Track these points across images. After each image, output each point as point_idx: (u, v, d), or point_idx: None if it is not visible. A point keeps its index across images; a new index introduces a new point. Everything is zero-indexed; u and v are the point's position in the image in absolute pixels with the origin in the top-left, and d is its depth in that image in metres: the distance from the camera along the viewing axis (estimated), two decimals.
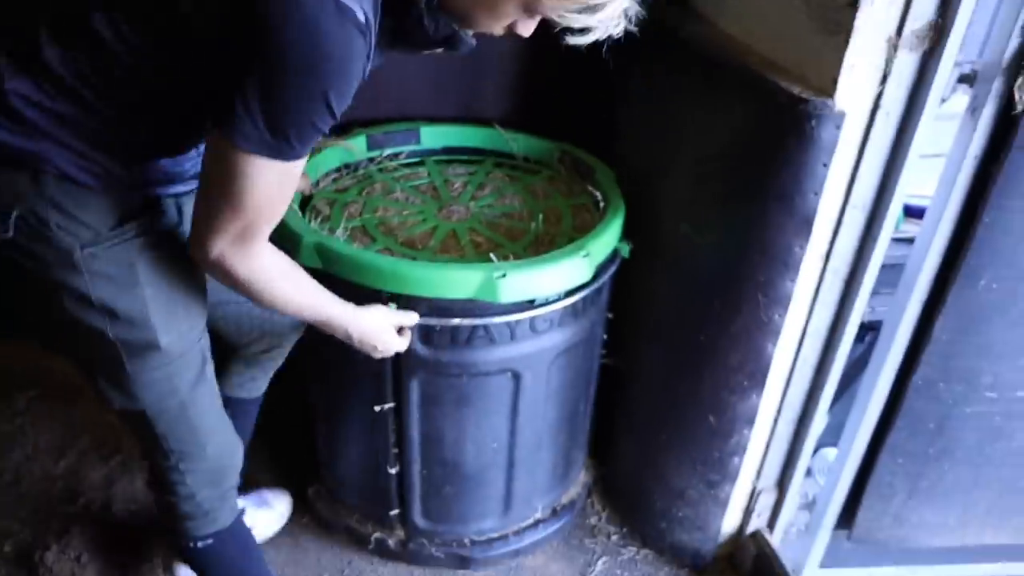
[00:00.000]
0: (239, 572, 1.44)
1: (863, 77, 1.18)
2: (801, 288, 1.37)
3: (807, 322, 1.43)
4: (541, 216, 1.66)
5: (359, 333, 1.28)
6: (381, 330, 1.33)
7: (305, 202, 1.68)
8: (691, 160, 1.49)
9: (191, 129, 1.07)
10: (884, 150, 1.25)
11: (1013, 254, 1.29)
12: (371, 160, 1.86)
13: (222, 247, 1.01)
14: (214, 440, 1.28)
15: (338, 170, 1.81)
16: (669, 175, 1.56)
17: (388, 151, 1.87)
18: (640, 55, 1.67)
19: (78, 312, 1.07)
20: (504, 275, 1.38)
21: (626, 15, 0.97)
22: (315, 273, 1.28)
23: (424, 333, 1.45)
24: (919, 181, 1.36)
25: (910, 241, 1.41)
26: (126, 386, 1.15)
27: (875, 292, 1.48)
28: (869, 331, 1.63)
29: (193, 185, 1.06)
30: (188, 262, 1.09)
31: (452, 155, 1.91)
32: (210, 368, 1.25)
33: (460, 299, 1.40)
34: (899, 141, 1.24)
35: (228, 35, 0.89)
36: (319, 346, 1.60)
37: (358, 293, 1.37)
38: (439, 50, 1.09)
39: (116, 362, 1.12)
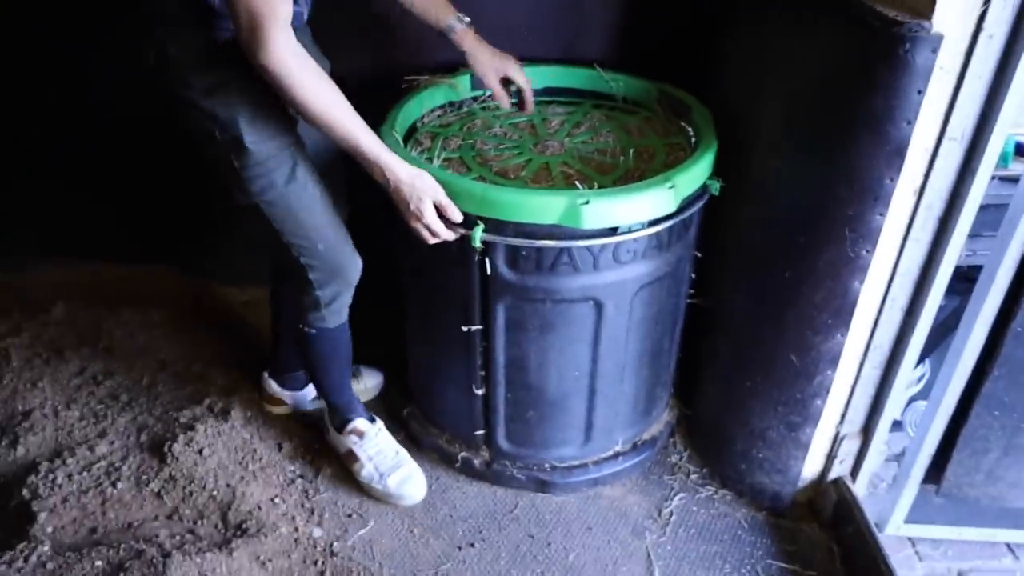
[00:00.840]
0: (325, 364, 1.80)
1: None
2: (891, 224, 1.34)
3: (897, 261, 1.39)
4: (632, 152, 1.68)
5: (395, 180, 1.40)
6: (418, 191, 1.40)
7: (409, 135, 1.78)
8: (785, 93, 1.47)
9: None
10: (987, 78, 1.20)
11: None
12: (474, 99, 1.93)
13: (246, 41, 1.24)
14: (324, 239, 1.54)
15: (442, 107, 1.90)
16: (763, 111, 1.54)
17: (490, 91, 1.93)
18: None
19: (198, 118, 1.40)
20: (587, 202, 1.42)
21: None
22: None
23: (510, 257, 1.51)
24: None
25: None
26: (238, 182, 1.45)
27: (977, 235, 1.42)
28: (969, 281, 1.56)
29: None
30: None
31: (553, 95, 1.96)
32: (303, 172, 1.48)
33: (545, 224, 1.45)
34: (1004, 67, 1.18)
35: None
36: (414, 269, 1.70)
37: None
38: None
39: (227, 160, 1.43)
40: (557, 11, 1.93)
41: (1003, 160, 1.47)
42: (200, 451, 1.88)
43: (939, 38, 1.16)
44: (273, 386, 2.03)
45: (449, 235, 1.46)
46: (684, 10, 1.87)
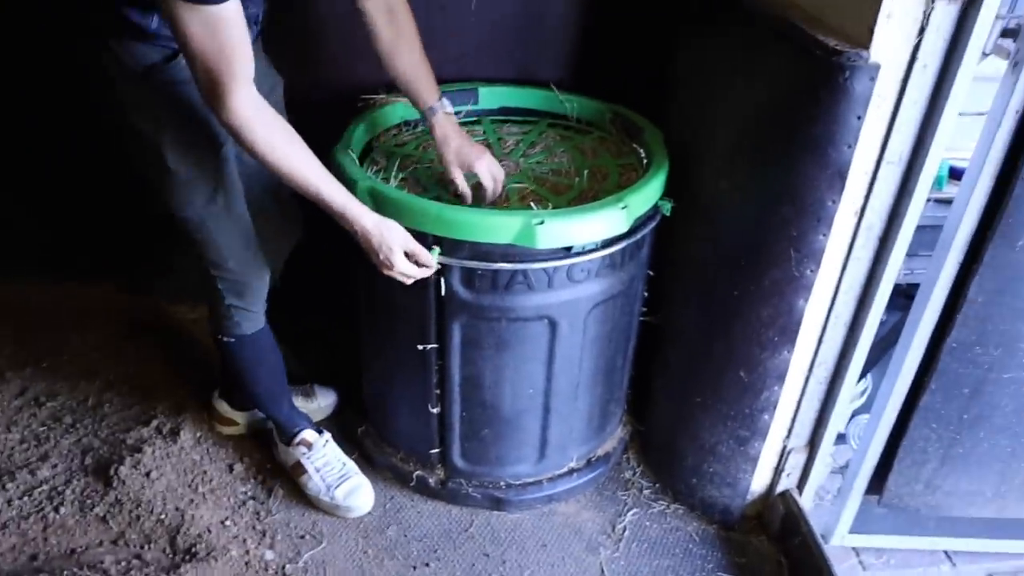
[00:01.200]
0: (249, 373, 1.79)
1: (900, 28, 1.19)
2: (834, 243, 1.39)
3: (840, 279, 1.44)
4: (587, 172, 1.71)
5: (362, 231, 1.39)
6: (387, 242, 1.40)
7: (364, 153, 1.78)
8: (733, 116, 1.51)
9: None
10: (921, 104, 1.26)
11: None
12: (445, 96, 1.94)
13: (209, 99, 1.23)
14: (235, 257, 1.57)
15: (398, 126, 1.91)
16: (712, 133, 1.59)
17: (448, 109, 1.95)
18: (690, 15, 1.71)
19: (125, 130, 1.42)
20: (542, 222, 1.44)
21: None
22: None
23: (466, 276, 1.53)
24: (965, 143, 1.36)
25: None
26: (159, 193, 1.47)
27: (915, 254, 1.48)
28: (908, 298, 1.62)
29: None
30: (203, 112, 1.34)
31: (508, 115, 1.98)
32: (224, 199, 1.49)
33: (500, 244, 1.47)
34: (937, 95, 1.24)
35: None
36: (369, 289, 1.70)
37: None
38: None
39: (150, 172, 1.45)
40: (513, 33, 1.96)
41: (938, 183, 1.53)
42: (148, 473, 1.84)
43: (876, 67, 1.21)
44: (224, 406, 2.00)
45: (422, 274, 1.47)
46: (636, 33, 1.92)
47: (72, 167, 2.24)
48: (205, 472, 1.90)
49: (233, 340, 1.71)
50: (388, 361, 1.80)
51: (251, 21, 1.43)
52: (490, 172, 1.60)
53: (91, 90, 1.44)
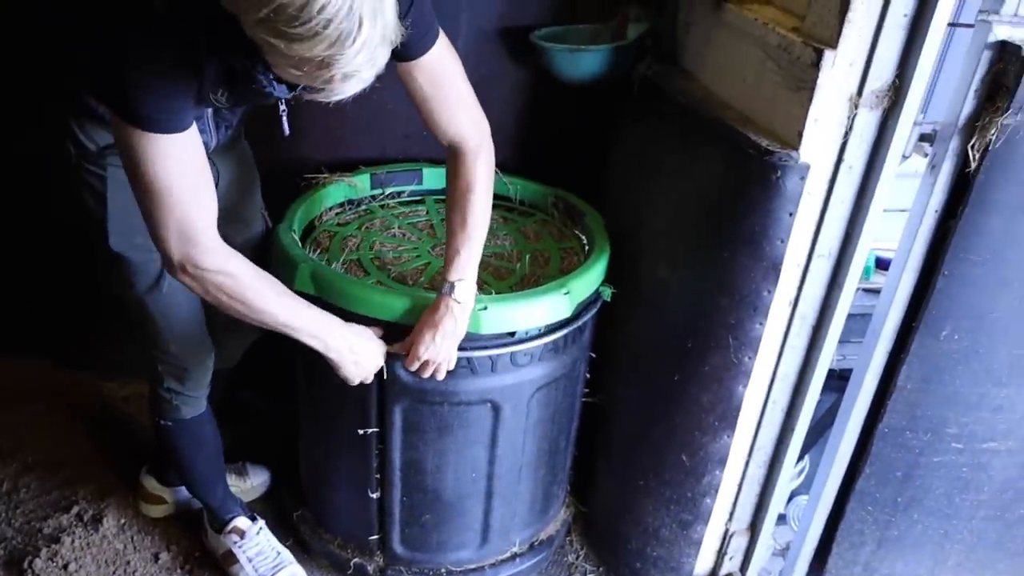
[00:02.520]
0: (185, 458, 1.72)
1: (826, 132, 1.26)
2: (770, 332, 1.43)
3: (776, 366, 1.48)
4: (528, 257, 1.73)
5: (339, 358, 1.39)
6: (362, 344, 1.41)
7: (306, 234, 1.77)
8: (670, 207, 1.56)
9: None
10: (848, 202, 1.32)
11: (973, 307, 1.33)
12: (374, 198, 1.95)
13: (179, 259, 1.19)
14: (176, 343, 1.54)
15: (341, 205, 1.90)
16: (651, 221, 1.64)
17: (390, 189, 1.96)
18: (630, 107, 1.77)
19: (78, 206, 1.41)
20: (486, 308, 1.45)
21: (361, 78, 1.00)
22: (309, 299, 1.41)
23: None
24: (892, 234, 1.42)
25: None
26: (102, 270, 1.46)
27: (848, 341, 1.53)
28: (844, 380, 1.67)
29: None
30: None
31: None
32: (169, 284, 1.44)
33: None
34: (862, 194, 1.31)
35: None
36: (308, 370, 1.67)
37: (348, 319, 1.44)
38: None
39: (97, 249, 1.43)
40: None
41: (866, 273, 1.59)
42: (65, 566, 1.74)
43: (806, 167, 1.27)
44: (152, 483, 1.92)
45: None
46: (577, 119, 1.98)
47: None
48: (128, 562, 1.80)
49: (171, 424, 1.65)
50: (327, 444, 1.75)
51: (226, 127, 1.47)
52: (431, 359, 1.43)
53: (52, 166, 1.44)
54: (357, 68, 0.96)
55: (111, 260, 1.43)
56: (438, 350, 1.41)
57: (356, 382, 1.45)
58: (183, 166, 1.13)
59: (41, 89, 1.42)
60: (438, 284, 1.46)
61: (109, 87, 1.10)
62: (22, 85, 1.78)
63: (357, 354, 1.40)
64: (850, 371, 1.52)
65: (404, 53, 1.25)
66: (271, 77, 1.14)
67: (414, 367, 1.44)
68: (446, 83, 1.36)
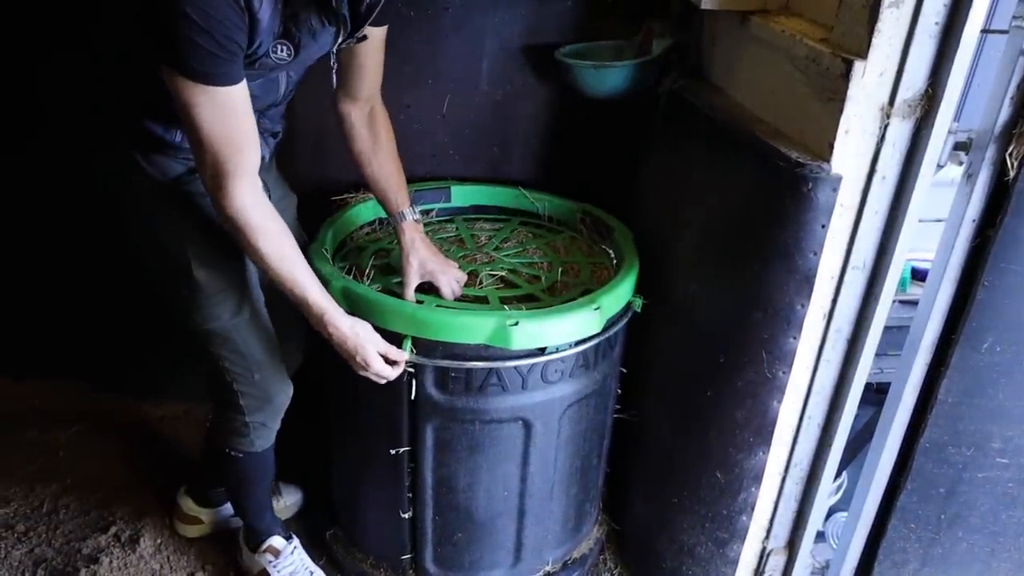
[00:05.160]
0: (247, 487, 1.74)
1: (858, 143, 1.24)
2: (804, 346, 1.40)
3: (812, 380, 1.45)
4: (560, 269, 1.73)
5: (338, 335, 1.38)
6: (361, 344, 1.40)
7: (339, 251, 1.79)
8: (701, 221, 1.55)
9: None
10: (882, 213, 1.30)
11: (1016, 317, 1.30)
12: (413, 205, 1.96)
13: (211, 187, 1.24)
14: (261, 371, 1.54)
15: (371, 224, 1.92)
16: (681, 235, 1.62)
17: (419, 208, 1.96)
18: (659, 122, 1.77)
19: (147, 246, 1.43)
20: (516, 323, 1.44)
21: None
22: None
23: (439, 378, 1.51)
24: (928, 244, 1.40)
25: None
26: (184, 310, 1.45)
27: (884, 353, 1.50)
28: (882, 393, 1.63)
29: None
30: None
31: (480, 214, 2.01)
32: (250, 307, 1.50)
33: (474, 344, 1.46)
34: (896, 205, 1.28)
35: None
36: (340, 389, 1.68)
37: (381, 335, 1.45)
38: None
39: (173, 284, 1.43)
40: (484, 134, 2.01)
41: (902, 285, 1.57)
42: None
43: (838, 178, 1.25)
44: (189, 503, 1.93)
45: (394, 374, 1.45)
46: (605, 134, 1.98)
47: (36, 261, 2.21)
48: None
49: (243, 455, 1.65)
50: (358, 463, 1.76)
51: (267, 134, 1.48)
52: (450, 287, 1.60)
53: (113, 205, 1.44)
54: None
55: (194, 294, 1.42)
56: (445, 263, 1.60)
57: (347, 359, 1.43)
58: (220, 117, 1.19)
59: (105, 124, 1.41)
60: (397, 216, 1.62)
61: (163, 40, 1.14)
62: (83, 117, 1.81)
63: (358, 337, 1.39)
64: (888, 384, 1.49)
65: (380, 19, 1.37)
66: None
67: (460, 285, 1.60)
68: (383, 48, 1.52)
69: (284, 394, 1.62)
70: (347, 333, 1.39)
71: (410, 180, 1.96)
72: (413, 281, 1.59)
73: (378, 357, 1.42)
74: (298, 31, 1.26)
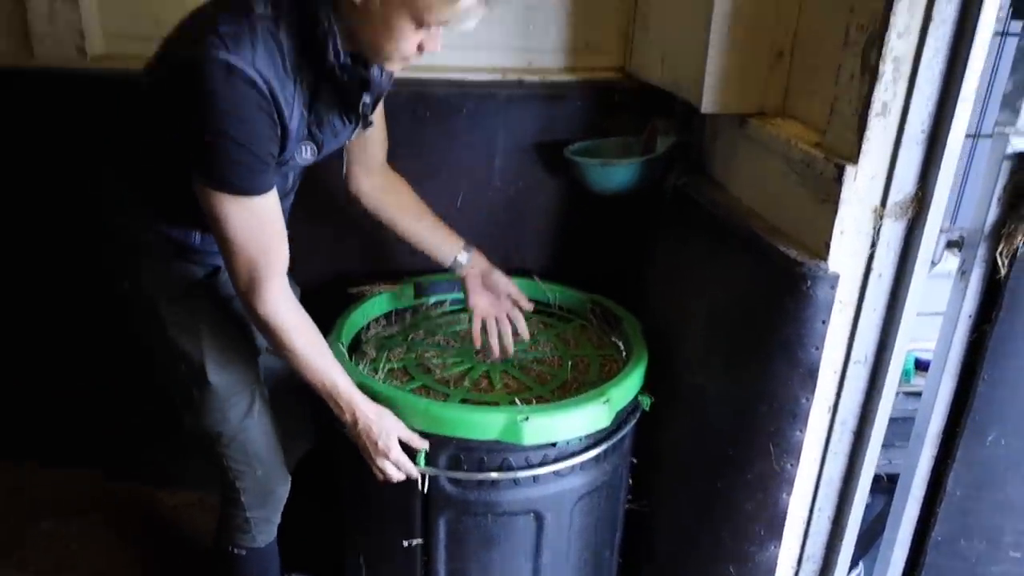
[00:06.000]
0: None
1: (853, 242, 1.29)
2: (811, 439, 1.42)
3: (820, 472, 1.46)
4: (570, 364, 1.76)
5: (364, 420, 1.42)
6: (385, 430, 1.43)
7: (355, 346, 1.83)
8: (706, 314, 1.59)
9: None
10: (880, 309, 1.33)
11: (1018, 411, 1.32)
12: (416, 309, 2.02)
13: (244, 292, 1.28)
14: (263, 466, 1.57)
15: (387, 316, 1.97)
16: (688, 327, 1.66)
17: (434, 299, 2.03)
18: (665, 216, 1.83)
19: (161, 350, 1.43)
20: (527, 418, 1.47)
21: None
22: None
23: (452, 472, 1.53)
24: (930, 334, 1.42)
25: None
26: (194, 411, 1.47)
27: (892, 445, 1.51)
28: (894, 483, 1.63)
29: None
30: (245, 322, 1.42)
31: None
32: (259, 408, 1.52)
33: (486, 440, 1.49)
34: (894, 301, 1.32)
35: (174, 114, 1.21)
36: (354, 480, 1.70)
37: None
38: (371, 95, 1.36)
39: (187, 390, 1.45)
40: (497, 226, 2.07)
41: (906, 376, 1.59)
42: None
43: (836, 276, 1.29)
44: None
45: (414, 471, 1.48)
46: (613, 227, 2.04)
47: (52, 350, 2.27)
48: None
49: (245, 552, 1.66)
50: (371, 554, 1.76)
51: (281, 194, 1.52)
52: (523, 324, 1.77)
53: (130, 306, 1.47)
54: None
55: (206, 395, 1.45)
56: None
57: (364, 452, 1.46)
58: (256, 224, 1.25)
59: (126, 230, 1.45)
60: (452, 254, 1.72)
61: (201, 158, 1.20)
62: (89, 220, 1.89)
63: (380, 433, 1.43)
64: (898, 476, 1.50)
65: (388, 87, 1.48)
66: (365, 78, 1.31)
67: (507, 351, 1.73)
68: (383, 114, 1.60)
69: (284, 487, 1.65)
70: (372, 419, 1.43)
71: (424, 271, 2.04)
72: (476, 328, 1.74)
73: (398, 445, 1.45)
74: (321, 133, 1.34)
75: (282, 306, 1.31)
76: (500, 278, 1.76)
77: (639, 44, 1.96)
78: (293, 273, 1.76)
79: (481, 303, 1.74)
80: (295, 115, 1.25)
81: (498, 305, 1.76)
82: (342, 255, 2.05)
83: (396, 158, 1.95)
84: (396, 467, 1.47)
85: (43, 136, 1.93)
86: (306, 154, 1.36)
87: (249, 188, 1.22)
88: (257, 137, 1.19)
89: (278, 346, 1.35)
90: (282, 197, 1.50)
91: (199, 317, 1.42)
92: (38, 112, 1.90)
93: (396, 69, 1.32)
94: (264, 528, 1.66)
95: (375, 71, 1.36)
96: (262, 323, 1.32)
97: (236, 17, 1.16)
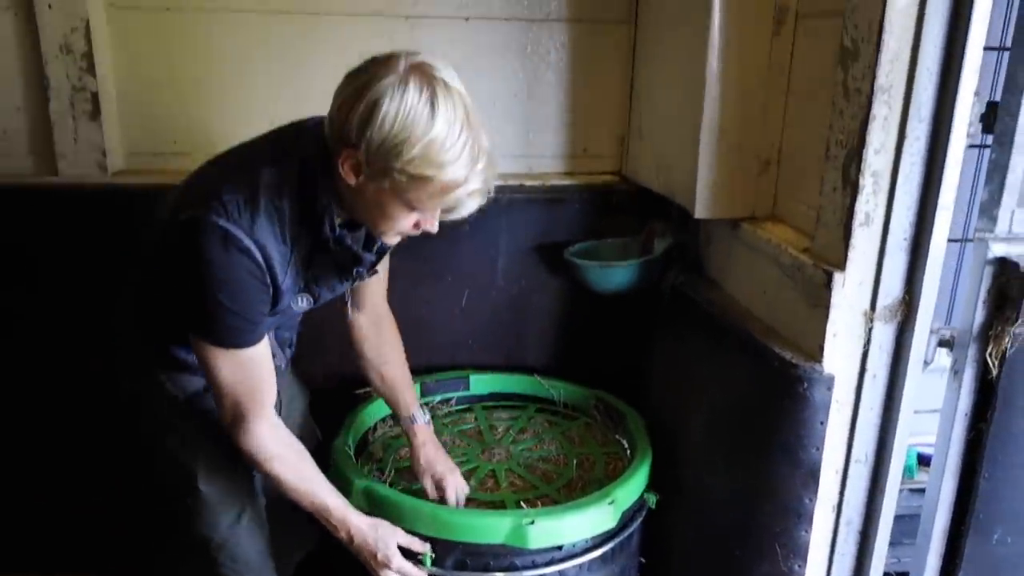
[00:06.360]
0: None
1: (846, 344, 1.33)
2: (817, 539, 1.42)
3: (828, 574, 1.45)
4: (575, 462, 1.78)
5: (359, 536, 1.43)
6: (383, 540, 1.43)
7: (361, 447, 1.85)
8: (706, 412, 1.62)
9: None
10: (877, 408, 1.36)
11: (1022, 509, 1.32)
12: (424, 405, 2.04)
13: (229, 426, 1.32)
14: (251, 573, 1.55)
15: (393, 416, 1.99)
16: (689, 425, 1.68)
17: (439, 397, 2.06)
18: (664, 315, 1.88)
19: (160, 450, 1.47)
20: (532, 522, 1.48)
21: (486, 190, 1.23)
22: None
23: None
24: (932, 428, 1.44)
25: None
26: (185, 516, 1.48)
27: (900, 543, 1.51)
28: None
29: None
30: None
31: (498, 400, 2.09)
32: (249, 518, 1.53)
33: (492, 544, 1.50)
34: (890, 400, 1.35)
35: (174, 270, 1.26)
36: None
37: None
38: (356, 272, 1.39)
39: (180, 494, 1.47)
40: (500, 325, 2.12)
41: (909, 472, 1.60)
42: None
43: (831, 378, 1.33)
44: None
45: (418, 573, 1.48)
46: (614, 325, 2.09)
47: (50, 456, 2.27)
48: None
49: None
50: None
51: (284, 345, 1.59)
52: (455, 489, 1.64)
53: (132, 415, 1.53)
54: (482, 183, 1.20)
55: (196, 501, 1.47)
56: (452, 468, 1.66)
57: (364, 561, 1.46)
58: (243, 372, 1.30)
59: (133, 345, 1.50)
60: (407, 420, 1.69)
61: (194, 315, 1.26)
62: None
63: (370, 547, 1.43)
64: (907, 574, 1.49)
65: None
66: (362, 243, 1.33)
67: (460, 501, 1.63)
68: (387, 263, 1.62)
69: None
70: (367, 532, 1.44)
71: (430, 370, 2.08)
72: (427, 481, 1.66)
73: (398, 552, 1.45)
74: (317, 287, 1.38)
75: (265, 439, 1.35)
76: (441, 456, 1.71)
77: (634, 150, 2.06)
78: (302, 374, 1.81)
79: (428, 461, 1.67)
80: (289, 275, 1.28)
81: (446, 466, 1.69)
82: (349, 356, 2.09)
83: (403, 261, 2.02)
84: (401, 574, 1.47)
85: (64, 248, 2.00)
86: (302, 303, 1.39)
87: (239, 343, 1.27)
88: (249, 303, 1.24)
89: (264, 475, 1.39)
90: (288, 321, 1.56)
91: (195, 425, 1.45)
92: (61, 225, 1.98)
93: (392, 243, 1.36)
94: None
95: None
96: (246, 455, 1.36)
97: (240, 186, 1.21)
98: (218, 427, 1.41)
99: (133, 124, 1.99)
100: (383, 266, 1.60)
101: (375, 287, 1.63)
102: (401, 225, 1.24)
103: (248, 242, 1.19)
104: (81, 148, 1.94)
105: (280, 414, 1.45)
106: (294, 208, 1.24)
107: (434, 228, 1.26)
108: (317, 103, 1.28)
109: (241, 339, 1.27)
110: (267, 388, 1.34)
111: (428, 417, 1.73)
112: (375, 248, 1.35)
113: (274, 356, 1.42)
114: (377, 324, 1.67)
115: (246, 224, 1.19)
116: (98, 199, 1.92)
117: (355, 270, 1.37)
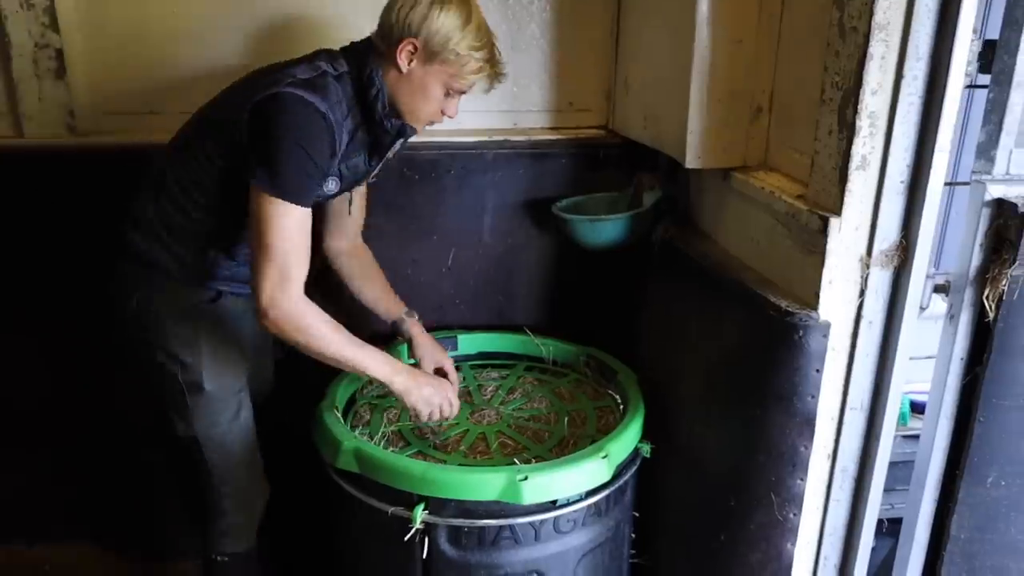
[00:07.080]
0: None
1: (842, 291, 1.31)
2: (812, 487, 1.42)
3: (823, 521, 1.46)
4: (566, 419, 1.76)
5: (403, 395, 1.56)
6: (424, 399, 1.57)
7: (348, 407, 1.83)
8: (700, 364, 1.60)
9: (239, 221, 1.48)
10: (873, 355, 1.35)
11: (1015, 452, 1.32)
12: (413, 366, 2.02)
13: (269, 292, 1.38)
14: (246, 465, 1.69)
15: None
16: (683, 378, 1.67)
17: None
18: (654, 268, 1.86)
19: (163, 360, 1.57)
20: (526, 477, 1.47)
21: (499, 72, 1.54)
22: (353, 476, 1.49)
23: (452, 535, 1.52)
24: (926, 375, 1.44)
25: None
26: (185, 416, 1.61)
27: (894, 489, 1.51)
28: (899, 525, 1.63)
29: (246, 288, 1.50)
30: (238, 340, 1.62)
31: (487, 359, 2.07)
32: (246, 413, 1.68)
33: (485, 501, 1.48)
34: (885, 346, 1.34)
35: (250, 137, 1.41)
36: (352, 547, 1.68)
37: (392, 495, 1.49)
38: (396, 146, 1.62)
39: (180, 397, 1.59)
40: (488, 284, 2.09)
41: (902, 419, 1.60)
42: None
43: (827, 325, 1.31)
44: None
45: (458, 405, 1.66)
46: (605, 281, 2.06)
47: (42, 422, 2.23)
48: None
49: (228, 559, 1.74)
50: None
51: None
52: (453, 371, 1.83)
53: (131, 324, 1.58)
54: (500, 65, 1.53)
55: (200, 401, 1.59)
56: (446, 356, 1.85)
57: (426, 415, 1.59)
58: (297, 233, 1.40)
59: (147, 254, 1.56)
60: (398, 322, 1.85)
61: (268, 164, 1.37)
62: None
63: (423, 387, 1.57)
64: (901, 519, 1.50)
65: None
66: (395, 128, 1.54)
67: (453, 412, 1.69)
68: (365, 195, 1.83)
69: (260, 488, 1.74)
70: (417, 381, 1.58)
71: None
72: (428, 366, 1.82)
73: (442, 398, 1.61)
74: (348, 169, 1.56)
75: (306, 302, 1.43)
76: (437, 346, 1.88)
77: (621, 103, 2.01)
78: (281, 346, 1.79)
79: (427, 350, 1.84)
80: (340, 150, 1.48)
81: (441, 351, 1.87)
82: (338, 317, 2.05)
83: (389, 220, 1.99)
84: (448, 405, 1.61)
85: (32, 212, 1.94)
86: (331, 186, 1.54)
87: (300, 197, 1.38)
88: (321, 153, 1.41)
89: (304, 344, 1.43)
90: None
91: (199, 333, 1.57)
92: (29, 188, 1.92)
93: (420, 129, 1.57)
94: (245, 533, 1.74)
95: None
96: (287, 318, 1.40)
97: (308, 69, 1.44)
98: (223, 333, 1.58)
99: (103, 83, 1.91)
100: (360, 200, 1.81)
101: (357, 214, 1.81)
102: (433, 108, 1.51)
103: (324, 107, 1.40)
104: (47, 108, 1.87)
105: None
106: (349, 93, 1.48)
107: (455, 112, 1.55)
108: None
109: (304, 191, 1.39)
110: (307, 258, 1.42)
111: (416, 314, 1.88)
112: (400, 142, 1.60)
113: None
114: (356, 248, 1.85)
115: (318, 97, 1.40)
116: (67, 160, 1.86)
117: (390, 150, 1.59)
